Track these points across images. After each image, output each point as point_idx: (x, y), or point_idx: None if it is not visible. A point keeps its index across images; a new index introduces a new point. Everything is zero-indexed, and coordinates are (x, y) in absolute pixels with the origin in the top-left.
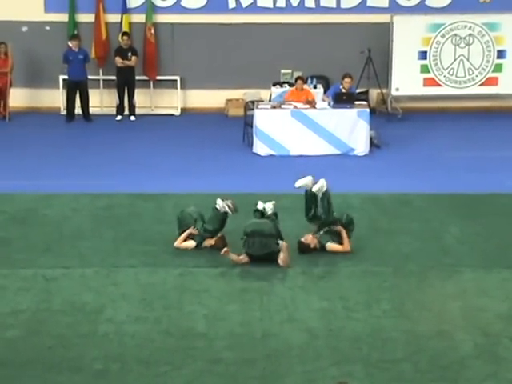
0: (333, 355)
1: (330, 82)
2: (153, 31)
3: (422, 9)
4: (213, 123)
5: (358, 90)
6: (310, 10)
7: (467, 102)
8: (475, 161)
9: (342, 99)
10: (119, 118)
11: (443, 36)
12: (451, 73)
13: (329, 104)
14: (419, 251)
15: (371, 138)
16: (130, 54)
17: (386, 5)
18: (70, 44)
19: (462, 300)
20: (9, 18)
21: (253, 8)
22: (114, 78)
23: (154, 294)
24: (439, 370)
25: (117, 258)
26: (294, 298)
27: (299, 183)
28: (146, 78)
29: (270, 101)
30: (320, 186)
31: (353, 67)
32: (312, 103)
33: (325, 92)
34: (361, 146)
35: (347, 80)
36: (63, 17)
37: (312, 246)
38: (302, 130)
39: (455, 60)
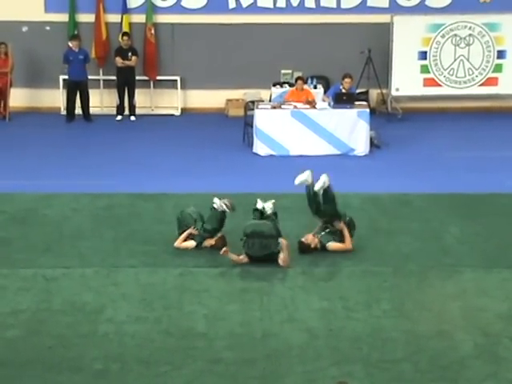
0: (333, 355)
1: (330, 82)
2: (153, 31)
3: (422, 9)
4: (213, 123)
5: (358, 90)
6: (310, 10)
7: (467, 102)
8: (475, 161)
9: (342, 99)
10: (119, 118)
11: (443, 36)
12: (451, 73)
13: (329, 104)
14: (419, 251)
15: (371, 138)
16: (130, 54)
17: (386, 5)
18: (70, 44)
19: (462, 300)
20: (9, 18)
21: (253, 8)
22: (114, 78)
23: (154, 294)
24: (439, 370)
25: (117, 258)
26: (294, 298)
27: (298, 180)
28: (146, 78)
29: (270, 101)
30: (322, 183)
31: (353, 67)
32: (312, 103)
33: (325, 92)
34: (361, 146)
35: (347, 80)
36: (63, 17)
37: (312, 245)
38: (302, 130)
39: (455, 60)
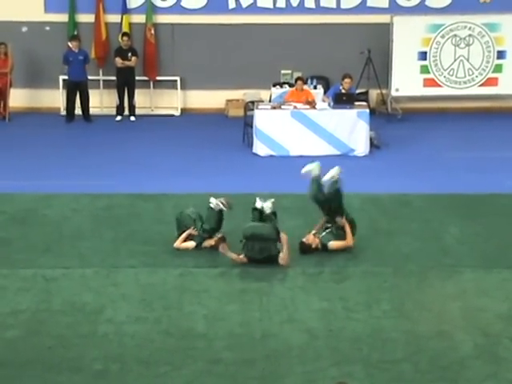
0: (333, 356)
1: (330, 82)
2: (153, 31)
3: (421, 9)
4: (213, 124)
5: (357, 91)
6: (309, 11)
7: (467, 103)
8: (475, 161)
9: (342, 100)
10: (119, 118)
11: (443, 36)
12: (451, 73)
13: (329, 104)
14: (419, 251)
15: (371, 139)
16: (130, 54)
17: (386, 5)
18: (70, 45)
19: (461, 300)
20: (9, 18)
21: (253, 8)
22: (114, 78)
23: (154, 295)
24: (439, 371)
25: (117, 259)
26: (294, 299)
27: (306, 169)
28: (146, 78)
29: (270, 101)
30: (330, 176)
31: (353, 68)
32: (312, 104)
33: (325, 92)
34: (361, 147)
35: (347, 80)
36: (63, 17)
37: (313, 246)
38: (301, 131)
39: (455, 60)
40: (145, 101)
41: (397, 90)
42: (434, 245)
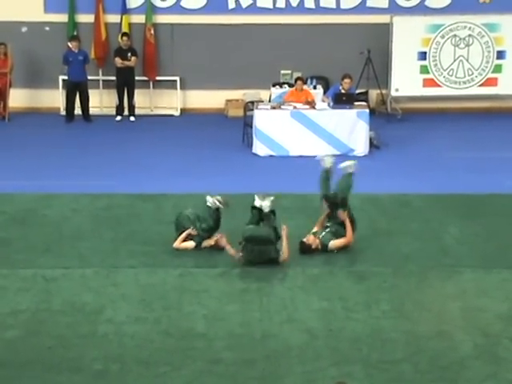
0: (332, 356)
1: (330, 82)
2: (152, 32)
3: (421, 9)
4: (212, 124)
5: (357, 91)
6: (309, 11)
7: (467, 103)
8: (475, 161)
9: (342, 100)
10: (119, 118)
11: (443, 37)
12: (451, 73)
13: (328, 105)
14: (419, 251)
15: (371, 139)
16: (129, 54)
17: (386, 5)
18: (69, 45)
19: (461, 300)
20: (9, 18)
21: (252, 8)
22: (113, 78)
23: (154, 295)
24: (439, 371)
25: (116, 259)
26: (294, 299)
27: (320, 156)
28: (145, 78)
29: (269, 101)
30: (346, 165)
31: (352, 68)
32: (312, 104)
33: (324, 92)
34: (360, 147)
35: (347, 81)
36: (63, 17)
37: (314, 246)
38: (301, 131)
39: (455, 61)
40: (144, 101)
41: (396, 90)
42: (433, 245)
